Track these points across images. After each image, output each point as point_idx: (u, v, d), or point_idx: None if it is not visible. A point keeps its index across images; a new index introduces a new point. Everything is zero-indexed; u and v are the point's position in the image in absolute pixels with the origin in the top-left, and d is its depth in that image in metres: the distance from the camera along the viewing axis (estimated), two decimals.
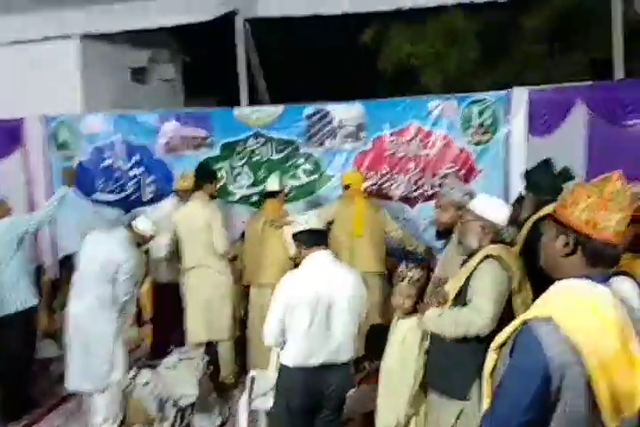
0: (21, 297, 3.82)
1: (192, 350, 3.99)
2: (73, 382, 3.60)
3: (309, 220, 2.70)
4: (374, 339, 3.01)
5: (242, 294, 4.59)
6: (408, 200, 5.12)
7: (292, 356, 2.55)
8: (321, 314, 2.50)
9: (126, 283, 3.53)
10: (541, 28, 6.73)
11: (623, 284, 1.58)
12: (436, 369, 2.30)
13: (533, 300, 1.53)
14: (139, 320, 5.11)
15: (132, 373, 3.74)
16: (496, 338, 1.45)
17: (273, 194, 4.45)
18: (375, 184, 5.19)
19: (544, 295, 1.42)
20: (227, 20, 5.48)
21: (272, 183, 4.52)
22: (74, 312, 3.56)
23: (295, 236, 2.71)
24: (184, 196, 4.57)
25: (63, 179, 4.37)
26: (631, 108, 4.50)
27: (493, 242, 2.31)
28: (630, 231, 1.52)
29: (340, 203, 4.57)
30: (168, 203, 4.92)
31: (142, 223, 3.76)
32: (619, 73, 4.91)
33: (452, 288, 2.31)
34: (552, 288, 1.41)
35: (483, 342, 2.07)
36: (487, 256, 2.23)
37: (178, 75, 8.18)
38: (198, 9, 5.41)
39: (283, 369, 2.60)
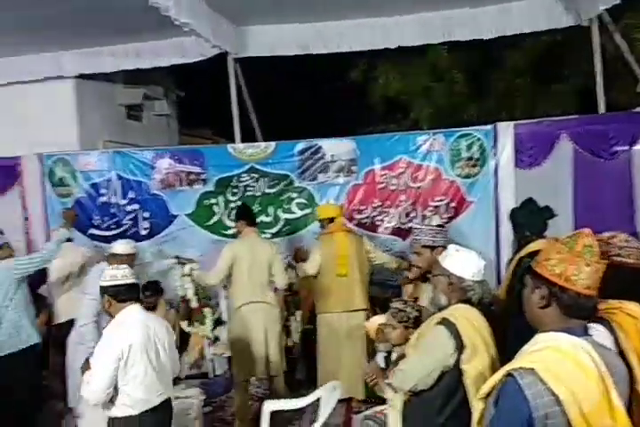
0: (24, 335, 3.89)
1: (187, 389, 3.99)
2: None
3: (126, 273, 2.79)
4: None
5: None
6: (400, 233, 5.19)
7: (133, 405, 2.64)
8: (151, 362, 2.67)
9: None
10: (523, 61, 6.95)
11: (598, 329, 1.64)
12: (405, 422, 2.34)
13: (514, 348, 1.58)
14: None
15: None
16: (482, 387, 1.51)
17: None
18: (368, 217, 5.27)
19: (527, 347, 1.48)
20: (219, 58, 5.64)
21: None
22: None
23: (107, 289, 2.77)
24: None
25: (63, 220, 4.43)
26: (614, 140, 4.64)
27: (462, 300, 2.21)
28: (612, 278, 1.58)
29: (323, 241, 4.45)
30: None
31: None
32: (601, 105, 5.07)
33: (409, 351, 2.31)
34: (534, 340, 1.47)
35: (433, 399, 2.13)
36: (441, 321, 2.15)
37: (172, 110, 8.34)
38: (190, 50, 5.56)
39: (124, 421, 2.66)
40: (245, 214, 4.49)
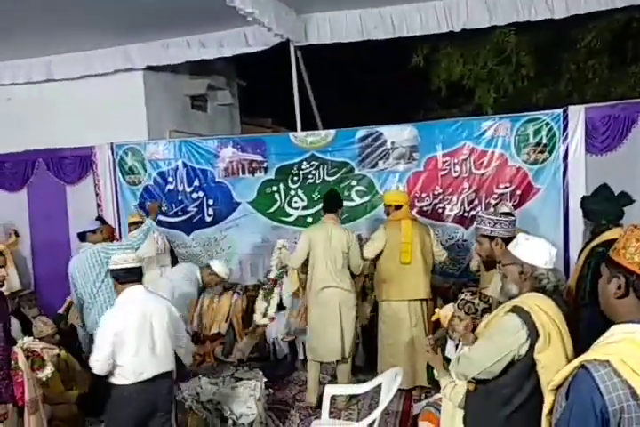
0: None
1: (250, 371, 4.10)
2: None
3: (127, 258, 3.10)
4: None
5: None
6: (462, 221, 5.09)
7: (127, 375, 2.96)
8: (146, 338, 2.98)
9: None
10: (597, 41, 6.56)
11: None
12: (467, 413, 2.30)
13: (586, 339, 1.52)
14: (198, 337, 5.33)
15: (196, 390, 3.88)
16: (553, 378, 1.46)
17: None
18: (429, 205, 5.20)
19: (602, 339, 1.42)
20: (280, 47, 5.68)
21: None
22: None
23: (111, 272, 3.17)
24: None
25: (149, 211, 4.72)
26: None
27: (535, 289, 2.14)
28: None
29: (388, 228, 4.40)
30: None
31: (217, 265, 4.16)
32: None
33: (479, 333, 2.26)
34: (610, 332, 1.42)
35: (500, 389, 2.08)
36: (514, 309, 2.08)
37: (234, 99, 8.48)
38: (253, 40, 5.63)
39: (120, 388, 2.99)
40: (324, 201, 4.55)
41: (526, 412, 2.00)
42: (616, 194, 3.06)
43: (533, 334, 2.01)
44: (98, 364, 2.95)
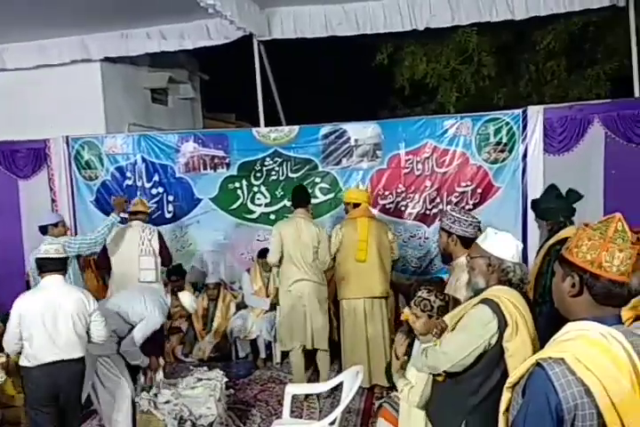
0: None
1: (210, 371, 4.03)
2: None
3: (48, 249, 3.25)
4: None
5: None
6: (424, 219, 5.13)
7: (29, 358, 3.15)
8: (46, 326, 3.12)
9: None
10: (556, 43, 6.72)
11: None
12: (433, 405, 2.30)
13: (545, 335, 1.54)
14: None
15: (153, 391, 3.80)
16: (510, 376, 1.47)
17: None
18: (392, 202, 5.22)
19: (557, 336, 1.43)
20: (243, 41, 5.60)
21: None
22: None
23: (35, 261, 3.34)
24: None
25: (114, 206, 4.58)
26: None
27: (501, 282, 2.17)
28: None
29: (345, 226, 4.39)
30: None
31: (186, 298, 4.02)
32: (637, 89, 4.88)
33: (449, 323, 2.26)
34: (564, 329, 1.43)
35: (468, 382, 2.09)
36: (483, 300, 2.11)
37: (196, 93, 8.34)
38: (215, 32, 5.53)
39: (24, 370, 3.20)
40: (292, 197, 4.54)
41: (493, 401, 2.01)
42: (567, 190, 3.13)
43: (502, 323, 2.04)
44: (6, 344, 3.18)
